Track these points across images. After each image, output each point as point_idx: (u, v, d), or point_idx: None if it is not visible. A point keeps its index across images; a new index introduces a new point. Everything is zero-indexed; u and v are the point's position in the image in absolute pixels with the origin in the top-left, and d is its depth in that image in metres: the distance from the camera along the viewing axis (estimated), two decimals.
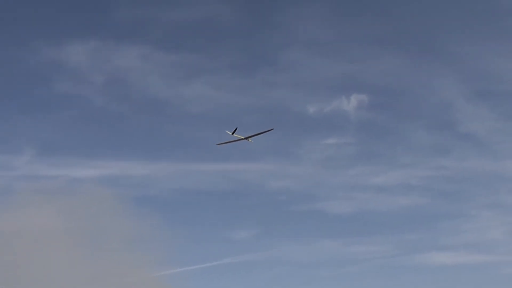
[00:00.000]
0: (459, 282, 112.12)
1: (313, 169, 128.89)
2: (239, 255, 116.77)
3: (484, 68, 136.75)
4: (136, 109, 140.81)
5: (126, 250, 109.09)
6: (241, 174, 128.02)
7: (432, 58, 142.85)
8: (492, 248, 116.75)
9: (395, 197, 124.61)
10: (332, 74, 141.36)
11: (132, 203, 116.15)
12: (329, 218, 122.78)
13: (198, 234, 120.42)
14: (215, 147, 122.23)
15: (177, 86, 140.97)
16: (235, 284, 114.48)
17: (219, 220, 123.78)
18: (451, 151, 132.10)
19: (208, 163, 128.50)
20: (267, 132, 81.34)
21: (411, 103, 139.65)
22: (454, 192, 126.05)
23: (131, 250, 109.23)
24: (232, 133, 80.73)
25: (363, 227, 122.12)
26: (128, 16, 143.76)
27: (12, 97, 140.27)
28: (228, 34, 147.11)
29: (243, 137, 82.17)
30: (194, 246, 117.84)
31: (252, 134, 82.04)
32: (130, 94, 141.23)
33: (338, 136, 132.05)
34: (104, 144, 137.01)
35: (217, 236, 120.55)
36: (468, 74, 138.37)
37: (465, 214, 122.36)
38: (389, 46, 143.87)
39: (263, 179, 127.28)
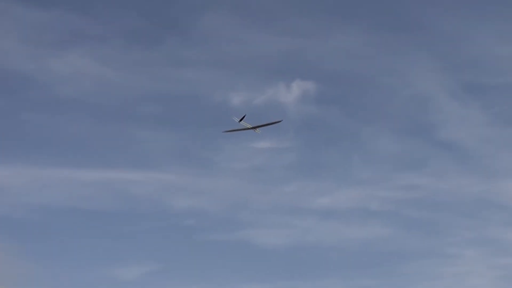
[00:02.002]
0: None
1: (235, 184, 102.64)
2: None
3: (476, 54, 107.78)
4: None
5: None
6: (132, 186, 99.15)
7: (406, 37, 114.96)
8: None
9: (348, 226, 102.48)
10: (268, 51, 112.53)
11: None
12: (256, 252, 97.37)
13: (68, 269, 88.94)
14: (94, 147, 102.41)
15: (43, 57, 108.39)
16: None
17: (99, 252, 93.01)
18: (426, 165, 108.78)
19: (85, 169, 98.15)
20: (274, 124, 71.30)
21: (375, 96, 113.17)
22: (428, 221, 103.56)
23: None
24: (240, 121, 70.91)
25: (303, 266, 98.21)
26: None
27: None
28: None
29: (250, 126, 71.77)
30: (62, 287, 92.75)
31: (259, 125, 71.84)
32: None
33: (272, 139, 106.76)
34: None
35: (95, 273, 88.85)
36: (455, 61, 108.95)
37: (441, 252, 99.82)
38: (348, 18, 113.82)
39: (164, 195, 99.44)
